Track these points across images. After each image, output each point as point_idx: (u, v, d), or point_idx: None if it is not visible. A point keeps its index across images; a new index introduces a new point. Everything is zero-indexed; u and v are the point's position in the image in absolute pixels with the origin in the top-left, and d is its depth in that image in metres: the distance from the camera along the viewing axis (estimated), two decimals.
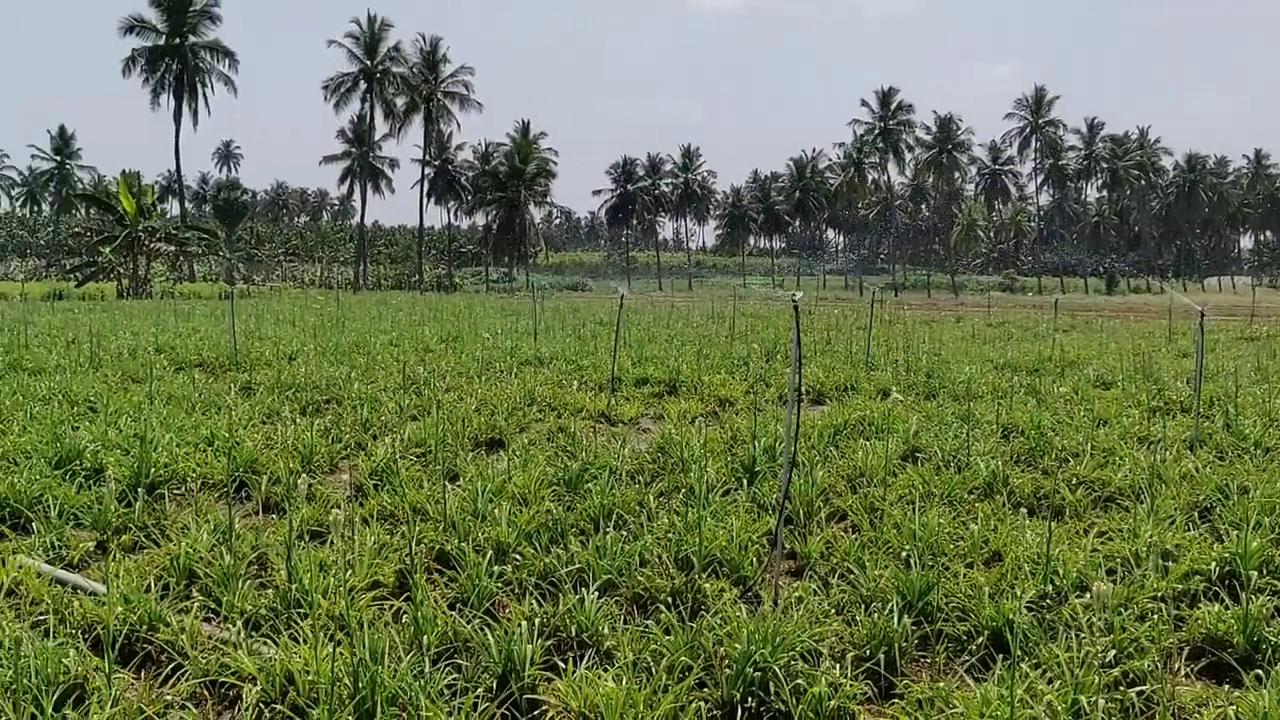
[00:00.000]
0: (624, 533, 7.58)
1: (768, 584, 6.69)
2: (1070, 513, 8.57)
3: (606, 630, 5.78)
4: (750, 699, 5.09)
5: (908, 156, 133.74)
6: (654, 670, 5.23)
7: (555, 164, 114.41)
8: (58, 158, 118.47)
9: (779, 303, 65.62)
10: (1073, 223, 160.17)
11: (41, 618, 5.87)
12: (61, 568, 6.98)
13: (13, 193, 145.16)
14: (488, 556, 6.77)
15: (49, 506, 8.12)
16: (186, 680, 5.18)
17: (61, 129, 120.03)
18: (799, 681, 5.14)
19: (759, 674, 5.18)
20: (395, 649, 5.25)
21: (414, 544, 6.75)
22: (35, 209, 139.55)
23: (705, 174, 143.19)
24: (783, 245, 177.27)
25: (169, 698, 4.96)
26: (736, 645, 5.35)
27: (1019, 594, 6.28)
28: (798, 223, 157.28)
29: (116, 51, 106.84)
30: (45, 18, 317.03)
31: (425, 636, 5.34)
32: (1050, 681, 5.15)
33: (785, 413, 13.21)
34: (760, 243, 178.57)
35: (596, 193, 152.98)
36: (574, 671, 5.23)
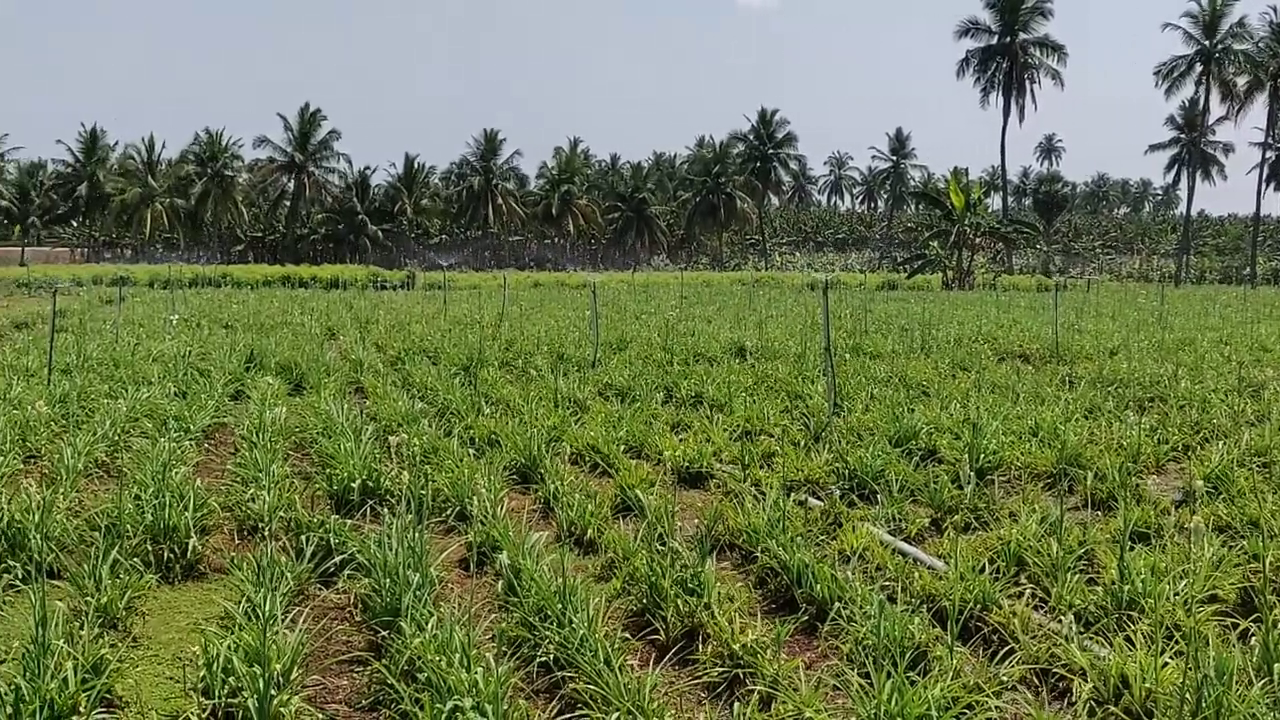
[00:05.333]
0: None
1: None
2: None
3: None
4: None
5: None
6: None
7: None
8: (894, 158, 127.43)
9: None
10: None
11: (886, 584, 6.40)
12: (901, 539, 7.56)
13: (854, 191, 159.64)
14: None
15: (890, 481, 8.81)
16: (1017, 664, 5.32)
17: (898, 131, 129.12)
18: None
19: None
20: (1244, 671, 4.89)
21: (1265, 562, 6.20)
22: (871, 205, 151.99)
23: None
24: None
25: (1003, 678, 5.13)
26: None
27: None
28: None
29: (950, 55, 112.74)
30: (886, 28, 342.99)
31: (1277, 664, 4.90)
32: None
33: None
34: None
35: None
36: None
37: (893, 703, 4.61)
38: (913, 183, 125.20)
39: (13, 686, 4.74)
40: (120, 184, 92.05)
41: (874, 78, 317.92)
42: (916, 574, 6.52)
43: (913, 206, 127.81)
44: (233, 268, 66.42)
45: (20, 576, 6.64)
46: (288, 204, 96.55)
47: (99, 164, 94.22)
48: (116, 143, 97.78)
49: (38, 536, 6.93)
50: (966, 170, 76.78)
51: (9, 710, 4.63)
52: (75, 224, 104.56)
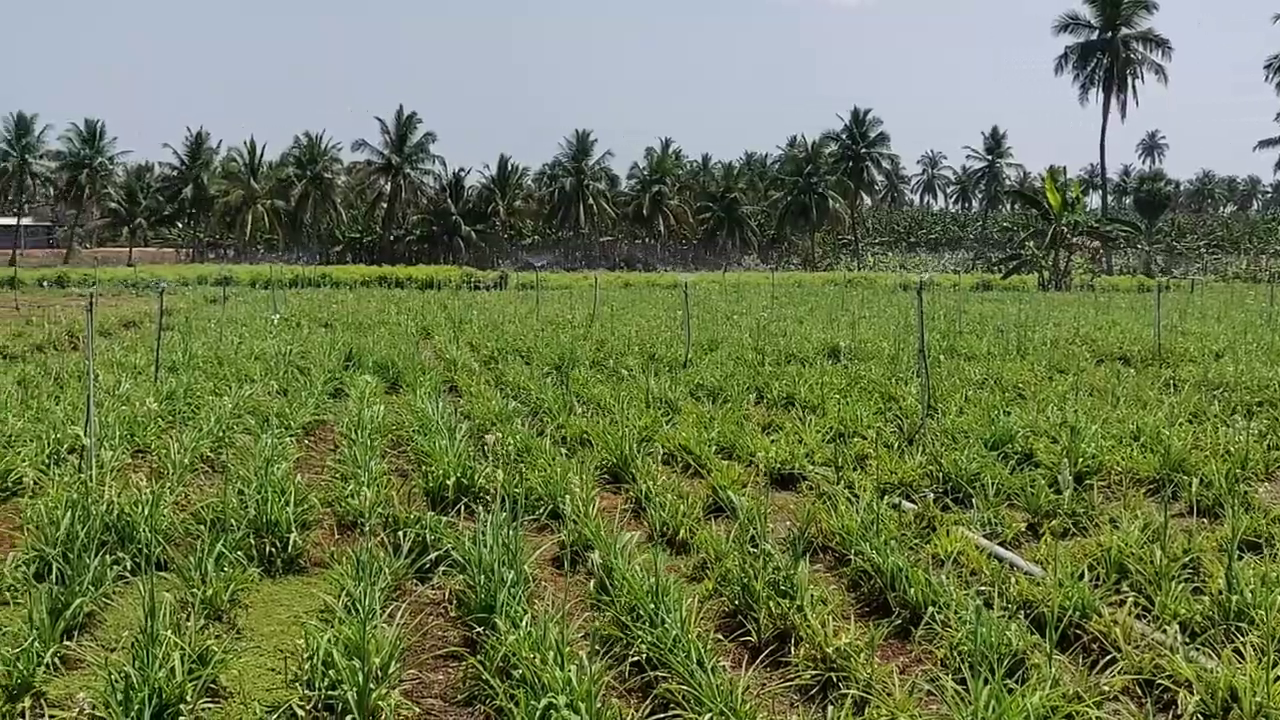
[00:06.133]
0: None
1: None
2: None
3: None
4: None
5: None
6: None
7: None
8: (989, 156, 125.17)
9: None
10: None
11: (982, 589, 6.30)
12: (997, 544, 7.44)
13: (947, 190, 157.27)
14: None
15: (986, 485, 8.67)
16: (1119, 674, 5.20)
17: (994, 130, 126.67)
18: None
19: None
20: None
21: None
22: (965, 205, 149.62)
23: None
24: None
25: (1104, 688, 5.02)
26: None
27: None
28: None
29: (1049, 50, 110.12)
30: (982, 23, 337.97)
31: None
32: None
33: None
34: None
35: None
36: None
37: (990, 710, 4.54)
38: (1008, 182, 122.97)
39: (123, 674, 4.90)
40: (223, 186, 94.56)
41: (969, 75, 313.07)
42: (1013, 579, 6.41)
43: (1008, 206, 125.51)
44: (331, 268, 67.78)
45: (129, 568, 6.86)
46: (384, 205, 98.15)
47: (203, 166, 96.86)
48: (219, 143, 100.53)
49: (146, 529, 7.16)
50: (1064, 169, 75.07)
51: (120, 697, 4.79)
52: (180, 225, 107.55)
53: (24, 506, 7.87)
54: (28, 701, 5.05)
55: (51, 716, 4.97)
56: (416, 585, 6.92)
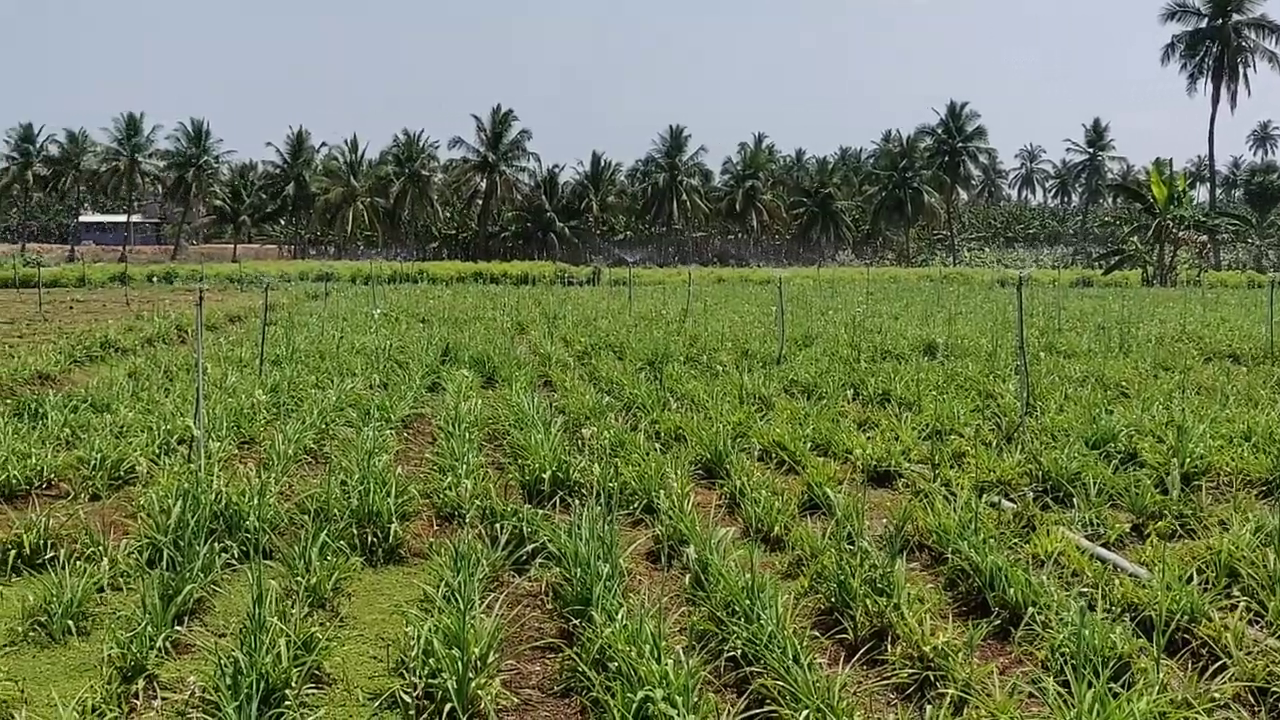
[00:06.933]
0: None
1: None
2: None
3: None
4: None
5: None
6: None
7: None
8: (1090, 149, 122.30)
9: None
10: None
11: (1084, 590, 6.17)
12: (1099, 545, 7.28)
13: (1046, 184, 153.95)
14: None
15: (1087, 484, 8.49)
16: (1231, 680, 5.05)
17: (1095, 122, 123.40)
18: None
19: None
20: None
21: None
22: (1065, 200, 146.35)
23: None
24: None
25: (1214, 695, 4.88)
26: None
27: None
28: None
29: (1155, 40, 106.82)
30: (1085, 12, 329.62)
31: None
32: None
33: None
34: None
35: None
36: None
37: (1094, 715, 4.44)
38: (1110, 175, 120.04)
39: (231, 659, 5.04)
40: (324, 184, 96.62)
41: (1071, 67, 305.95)
42: (1116, 581, 6.27)
43: (1109, 200, 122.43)
44: (428, 264, 68.87)
45: (237, 556, 7.05)
46: (480, 202, 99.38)
47: (304, 165, 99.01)
48: (322, 144, 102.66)
49: (254, 518, 7.34)
50: (1170, 161, 72.62)
51: (228, 681, 4.93)
52: (282, 222, 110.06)
53: (136, 495, 8.15)
54: (141, 683, 5.22)
55: (163, 698, 5.13)
56: (513, 577, 7.00)
